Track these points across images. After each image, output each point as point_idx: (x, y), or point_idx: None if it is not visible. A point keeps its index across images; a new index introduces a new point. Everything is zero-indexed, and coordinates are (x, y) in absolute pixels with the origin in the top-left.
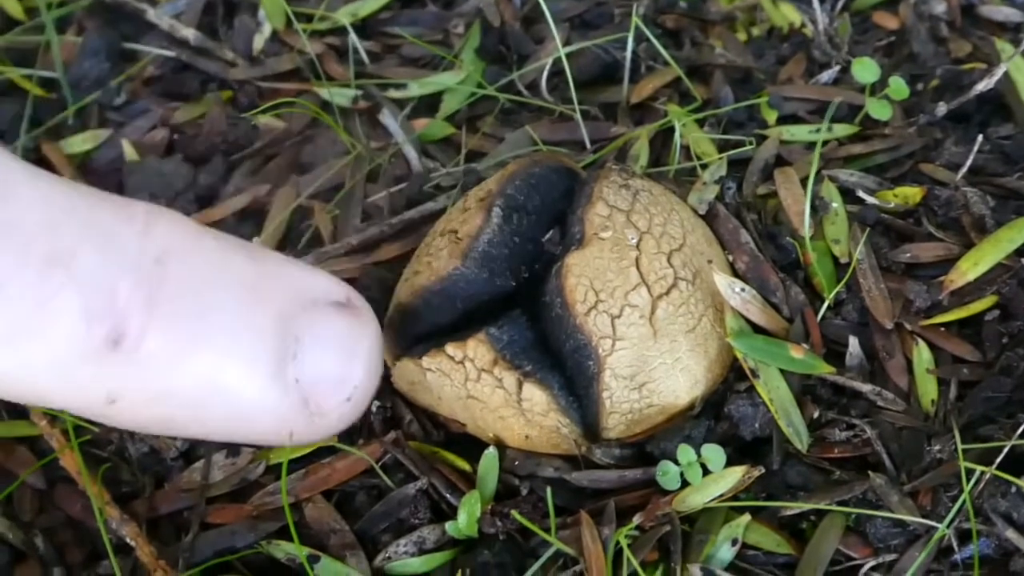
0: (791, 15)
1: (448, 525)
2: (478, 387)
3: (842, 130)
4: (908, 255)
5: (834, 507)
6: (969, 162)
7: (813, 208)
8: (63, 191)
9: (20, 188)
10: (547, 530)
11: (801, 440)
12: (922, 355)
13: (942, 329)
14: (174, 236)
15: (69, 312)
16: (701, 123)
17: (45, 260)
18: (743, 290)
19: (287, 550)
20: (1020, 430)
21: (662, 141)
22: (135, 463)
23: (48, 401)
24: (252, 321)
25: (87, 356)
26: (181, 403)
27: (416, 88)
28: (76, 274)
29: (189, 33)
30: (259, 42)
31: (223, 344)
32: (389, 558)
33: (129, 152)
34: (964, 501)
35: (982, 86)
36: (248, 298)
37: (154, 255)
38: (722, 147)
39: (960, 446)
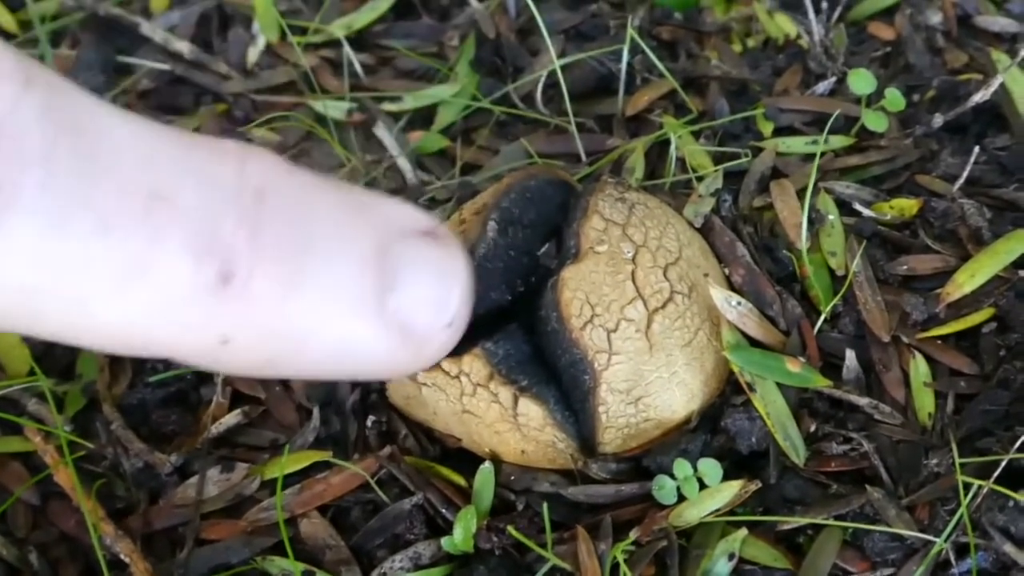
0: (786, 26)
1: (444, 540)
2: (474, 402)
3: (838, 142)
4: (905, 267)
5: (831, 521)
6: (966, 173)
7: (809, 221)
8: (154, 130)
9: (112, 129)
10: (543, 545)
11: (798, 454)
12: (919, 368)
13: (939, 342)
14: (268, 173)
15: (178, 251)
16: (697, 135)
17: (148, 198)
18: (739, 303)
19: (282, 566)
20: (1018, 443)
21: (658, 153)
22: (129, 479)
23: (159, 347)
24: (351, 254)
25: (199, 296)
26: (289, 340)
27: (411, 101)
28: (180, 211)
29: (183, 46)
30: (253, 55)
31: (326, 278)
32: (385, 573)
33: None
34: (962, 515)
35: (978, 97)
36: (345, 232)
37: (252, 191)
38: (718, 159)
39: (958, 460)
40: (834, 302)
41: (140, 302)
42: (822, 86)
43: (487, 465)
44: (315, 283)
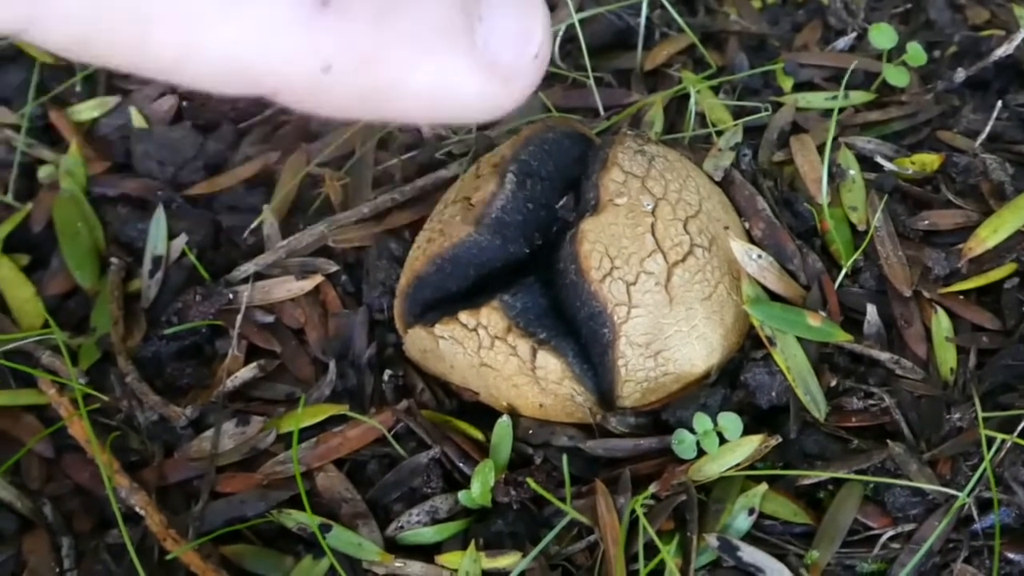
0: None
1: (461, 494)
2: (491, 355)
3: (859, 97)
4: (926, 222)
5: (852, 476)
6: (988, 129)
7: (830, 175)
8: None
9: None
10: (562, 499)
11: (819, 409)
12: (941, 323)
13: (961, 297)
14: None
15: None
16: (716, 90)
17: None
18: (760, 257)
19: (298, 519)
20: None
21: (676, 108)
22: (144, 432)
23: (265, 76)
24: None
25: (301, 19)
26: (386, 71)
27: None
28: None
29: None
30: None
31: (417, 10)
32: (401, 527)
33: (137, 119)
34: (984, 470)
35: (1001, 52)
36: None
37: None
38: (737, 114)
39: (980, 414)
40: (855, 256)
41: (245, 26)
42: (842, 42)
43: (505, 419)
44: (408, 14)
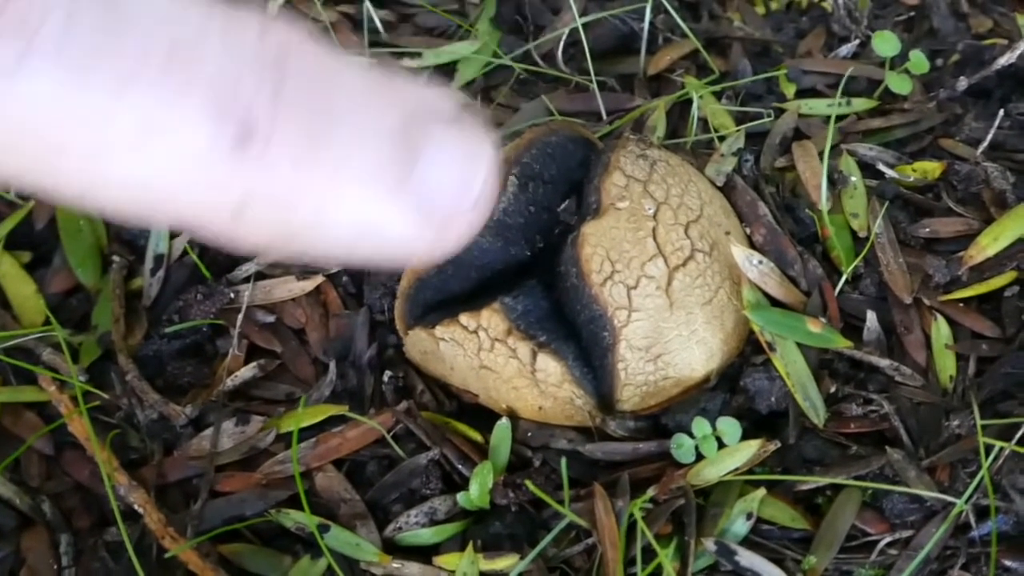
0: None
1: (460, 496)
2: (492, 357)
3: (861, 104)
4: (927, 230)
5: (850, 482)
6: (989, 137)
7: (831, 181)
8: None
9: None
10: (560, 502)
11: (818, 414)
12: (941, 330)
13: (961, 304)
14: (291, 40)
15: (197, 109)
16: (719, 95)
17: (169, 55)
18: (760, 262)
19: (297, 519)
20: None
21: (679, 113)
22: (144, 430)
23: (177, 211)
24: (374, 126)
25: (217, 156)
26: (307, 212)
27: (431, 57)
28: (201, 70)
29: None
30: (273, 10)
31: (347, 148)
32: (400, 528)
33: None
34: (982, 477)
35: (1003, 61)
36: (368, 104)
37: (274, 56)
38: (740, 119)
39: (979, 421)
40: (856, 263)
41: (158, 160)
42: (845, 48)
43: (504, 421)
44: (335, 153)
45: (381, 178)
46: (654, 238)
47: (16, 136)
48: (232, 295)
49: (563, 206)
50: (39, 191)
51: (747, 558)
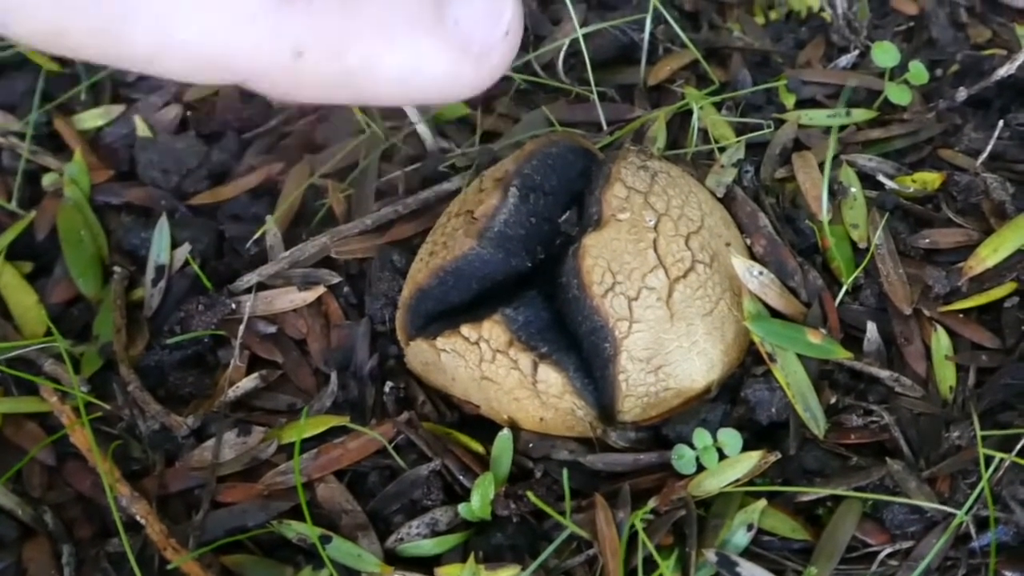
0: None
1: (461, 507)
2: (493, 368)
3: (861, 115)
4: (927, 241)
5: (851, 493)
6: (989, 148)
7: (831, 192)
8: None
9: None
10: (562, 513)
11: (818, 425)
12: (941, 341)
13: (961, 315)
14: None
15: None
16: (719, 106)
17: None
18: (761, 273)
19: (298, 530)
20: None
21: (679, 124)
22: (146, 441)
23: (240, 64)
24: None
25: (270, 5)
26: (356, 59)
27: None
28: None
29: None
30: None
31: None
32: (401, 539)
33: (141, 128)
34: (983, 488)
35: (1003, 72)
36: None
37: None
38: (740, 130)
39: (979, 432)
40: (856, 274)
41: (218, 16)
42: (845, 59)
43: (505, 432)
44: (376, 1)
45: (420, 20)
46: (655, 249)
47: (82, 4)
48: (233, 306)
49: (564, 217)
50: (102, 59)
51: (748, 569)
